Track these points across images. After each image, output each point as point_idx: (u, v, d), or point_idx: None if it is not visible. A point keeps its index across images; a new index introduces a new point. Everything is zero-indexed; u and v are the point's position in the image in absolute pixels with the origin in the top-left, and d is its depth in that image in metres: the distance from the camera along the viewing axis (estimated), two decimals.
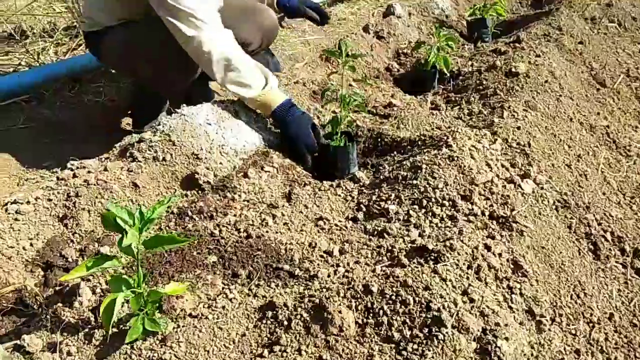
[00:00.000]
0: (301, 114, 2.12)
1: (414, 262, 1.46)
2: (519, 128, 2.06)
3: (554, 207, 1.76)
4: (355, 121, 2.46)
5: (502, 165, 1.83)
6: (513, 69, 2.55)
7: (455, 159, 1.75)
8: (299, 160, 2.12)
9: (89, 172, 1.85)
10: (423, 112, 2.51)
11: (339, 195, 1.86)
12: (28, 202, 1.71)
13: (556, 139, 2.15)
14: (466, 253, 1.47)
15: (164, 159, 1.91)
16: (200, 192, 1.85)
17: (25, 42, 3.55)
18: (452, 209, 1.63)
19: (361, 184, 1.93)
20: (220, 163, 1.95)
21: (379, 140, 2.35)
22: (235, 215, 1.71)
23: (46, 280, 1.55)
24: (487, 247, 1.51)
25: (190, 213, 1.73)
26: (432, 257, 1.46)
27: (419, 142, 2.17)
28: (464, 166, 1.73)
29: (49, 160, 2.50)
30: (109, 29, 2.36)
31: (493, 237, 1.57)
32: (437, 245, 1.50)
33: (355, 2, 5.29)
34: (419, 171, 1.76)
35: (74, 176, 1.83)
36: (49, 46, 3.50)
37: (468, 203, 1.64)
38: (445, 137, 1.95)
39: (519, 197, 1.69)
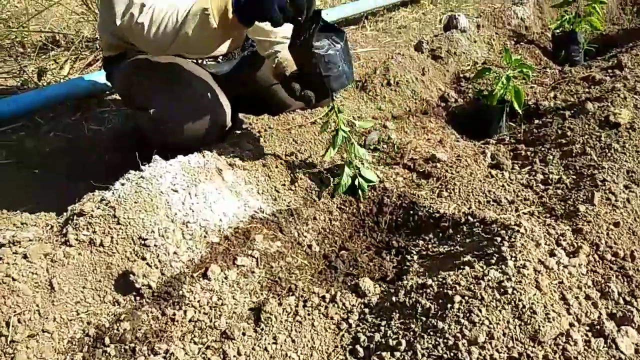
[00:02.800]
0: None
1: None
2: (617, 225, 1.35)
3: None
4: (384, 182, 1.85)
5: (587, 298, 1.16)
6: (611, 118, 1.81)
7: (510, 291, 1.10)
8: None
9: (1, 259, 1.38)
10: (478, 173, 1.84)
11: (331, 320, 1.27)
12: None
13: None
14: None
15: (101, 244, 1.41)
16: (137, 298, 1.33)
17: (44, 55, 3.25)
18: None
19: (366, 300, 1.31)
20: (175, 253, 1.41)
21: (412, 212, 1.72)
22: (167, 353, 1.16)
23: None
24: None
25: (107, 341, 1.21)
26: None
27: (465, 227, 1.53)
28: (523, 306, 1.07)
29: (23, 206, 2.11)
30: (124, 55, 1.95)
31: None
32: None
33: (422, 5, 4.62)
34: (449, 306, 1.12)
35: None
36: (62, 61, 3.15)
37: None
38: (499, 239, 1.29)
39: None
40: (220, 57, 2.07)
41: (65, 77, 2.99)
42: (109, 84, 2.28)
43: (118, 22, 1.61)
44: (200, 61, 2.01)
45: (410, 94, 2.46)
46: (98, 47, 3.23)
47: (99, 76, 2.73)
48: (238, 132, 2.01)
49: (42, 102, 2.62)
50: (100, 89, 2.81)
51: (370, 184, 1.81)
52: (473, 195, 1.71)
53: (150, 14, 1.54)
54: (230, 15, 1.49)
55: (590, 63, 2.77)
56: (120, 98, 2.61)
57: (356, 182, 1.78)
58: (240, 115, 2.27)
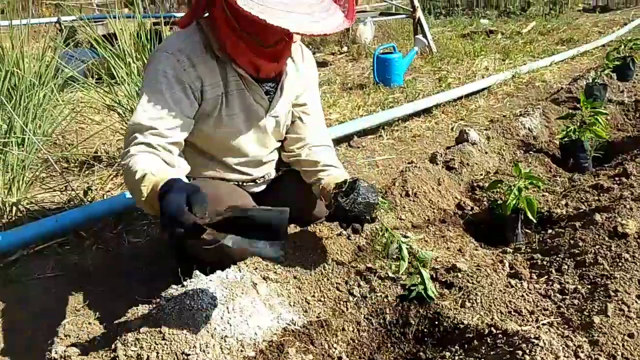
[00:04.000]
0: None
1: None
2: (631, 336, 1.43)
3: None
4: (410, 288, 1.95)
5: None
6: (619, 228, 1.94)
7: None
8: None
9: None
10: (498, 283, 1.94)
11: None
12: None
13: None
14: None
15: (148, 359, 1.52)
16: None
17: (88, 171, 3.54)
18: None
19: None
20: None
21: (437, 323, 1.81)
22: None
23: None
24: None
25: None
26: None
27: (488, 339, 1.61)
28: None
29: (66, 319, 2.24)
30: None
31: None
32: None
33: (434, 115, 4.93)
34: None
35: None
36: (105, 178, 3.43)
37: None
38: (520, 352, 1.38)
39: None
40: (259, 179, 2.27)
41: (107, 193, 3.25)
42: None
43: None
44: (240, 183, 2.21)
45: (428, 203, 2.63)
46: None
47: None
48: None
49: (86, 218, 2.84)
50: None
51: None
52: (495, 305, 1.80)
53: (127, 162, 1.68)
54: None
55: (598, 171, 2.93)
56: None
57: (428, 286, 1.88)
58: None
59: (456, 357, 1.64)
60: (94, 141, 4.11)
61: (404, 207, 2.62)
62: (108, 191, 3.28)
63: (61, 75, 3.96)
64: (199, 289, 1.72)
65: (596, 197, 2.50)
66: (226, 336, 1.62)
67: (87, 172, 3.58)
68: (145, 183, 1.57)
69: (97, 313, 2.20)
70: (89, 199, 3.11)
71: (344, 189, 1.91)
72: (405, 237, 2.30)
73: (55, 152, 3.80)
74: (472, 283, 1.94)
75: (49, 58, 3.86)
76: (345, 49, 8.04)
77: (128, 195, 2.99)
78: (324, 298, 1.94)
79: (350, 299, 1.93)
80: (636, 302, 1.57)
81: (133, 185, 1.63)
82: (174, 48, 1.86)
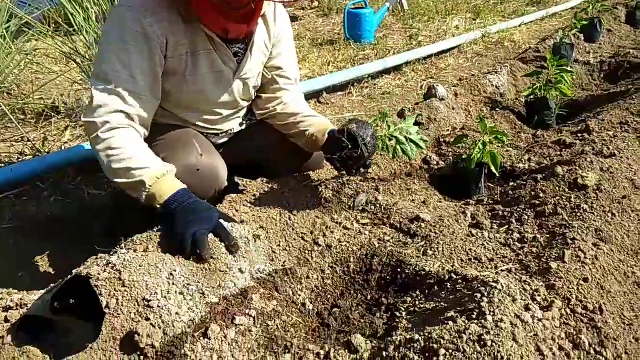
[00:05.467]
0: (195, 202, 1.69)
1: None
2: (586, 280, 1.48)
3: None
4: (371, 239, 1.97)
5: (561, 349, 1.26)
6: (579, 180, 1.98)
7: (489, 343, 1.20)
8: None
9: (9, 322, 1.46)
10: (460, 232, 1.97)
11: None
12: None
13: None
14: None
15: (107, 306, 1.49)
16: (141, 358, 1.40)
17: (45, 122, 3.39)
18: None
19: (358, 356, 1.40)
20: (177, 314, 1.50)
21: (399, 270, 1.83)
22: None
23: None
24: None
25: None
26: None
27: (448, 284, 1.64)
28: (502, 358, 1.18)
29: (26, 270, 2.18)
30: None
31: None
32: None
33: (404, 73, 4.90)
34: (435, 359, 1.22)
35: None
36: (63, 128, 3.30)
37: None
38: (479, 295, 1.40)
39: None
40: (222, 133, 2.22)
41: (65, 144, 3.13)
42: None
43: (82, 118, 1.74)
44: (202, 133, 2.15)
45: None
46: None
47: None
48: (234, 195, 2.14)
49: (44, 169, 2.73)
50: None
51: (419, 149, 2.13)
52: (456, 253, 1.83)
53: (109, 139, 1.67)
54: (157, 205, 1.69)
55: (562, 127, 2.98)
56: None
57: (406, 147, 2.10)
58: (236, 178, 2.41)
59: (417, 302, 1.67)
60: (51, 92, 3.93)
61: (372, 161, 2.62)
62: (66, 142, 3.16)
63: (14, 21, 3.72)
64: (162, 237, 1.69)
65: (558, 153, 2.55)
66: (189, 284, 1.60)
67: (44, 123, 3.43)
68: (147, 179, 1.66)
69: (56, 264, 2.15)
70: (47, 150, 2.99)
71: (353, 130, 1.93)
72: (376, 189, 2.32)
73: (10, 102, 3.61)
74: (435, 233, 1.97)
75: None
76: (316, 3, 7.85)
77: (87, 146, 2.89)
78: (290, 247, 1.93)
79: (316, 248, 1.94)
80: (592, 249, 1.62)
81: (126, 166, 1.66)
82: (137, 3, 1.74)
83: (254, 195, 2.12)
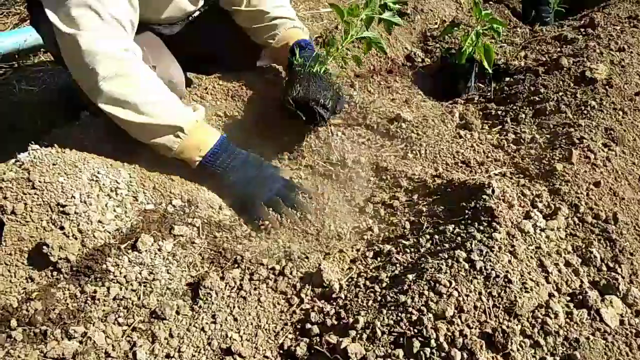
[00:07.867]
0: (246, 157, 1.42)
1: None
2: (597, 184, 1.23)
3: None
4: (343, 140, 1.68)
5: (567, 265, 1.03)
6: (587, 73, 1.68)
7: (478, 262, 0.95)
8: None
9: None
10: (446, 133, 1.70)
11: (281, 294, 1.11)
12: None
13: None
14: None
15: (13, 212, 1.20)
16: (53, 274, 1.14)
17: None
18: None
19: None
20: (99, 222, 1.22)
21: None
22: (84, 336, 0.98)
23: None
24: None
25: (14, 323, 1.02)
26: None
27: (434, 192, 1.38)
28: (497, 275, 0.93)
29: None
30: None
31: None
32: None
33: None
34: (418, 281, 0.97)
35: None
36: None
37: (500, 357, 0.86)
38: (465, 202, 1.15)
39: (597, 341, 0.89)
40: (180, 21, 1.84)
41: None
42: None
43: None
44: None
45: (374, 51, 2.28)
46: None
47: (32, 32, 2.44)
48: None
49: None
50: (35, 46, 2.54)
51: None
52: (440, 156, 1.57)
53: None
54: (195, 160, 1.39)
55: (562, 23, 2.64)
56: (51, 54, 2.33)
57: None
58: (190, 75, 2.06)
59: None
60: None
61: (347, 54, 2.27)
62: None
63: None
64: (86, 130, 1.38)
65: (559, 49, 2.23)
66: (117, 187, 1.31)
67: None
68: (188, 125, 1.35)
69: None
70: None
71: (300, 97, 1.52)
72: (352, 85, 2.00)
73: None
74: (417, 134, 1.69)
75: None
76: None
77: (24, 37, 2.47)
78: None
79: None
80: (602, 150, 1.36)
81: (151, 119, 1.32)
82: None
83: (205, 89, 1.79)
